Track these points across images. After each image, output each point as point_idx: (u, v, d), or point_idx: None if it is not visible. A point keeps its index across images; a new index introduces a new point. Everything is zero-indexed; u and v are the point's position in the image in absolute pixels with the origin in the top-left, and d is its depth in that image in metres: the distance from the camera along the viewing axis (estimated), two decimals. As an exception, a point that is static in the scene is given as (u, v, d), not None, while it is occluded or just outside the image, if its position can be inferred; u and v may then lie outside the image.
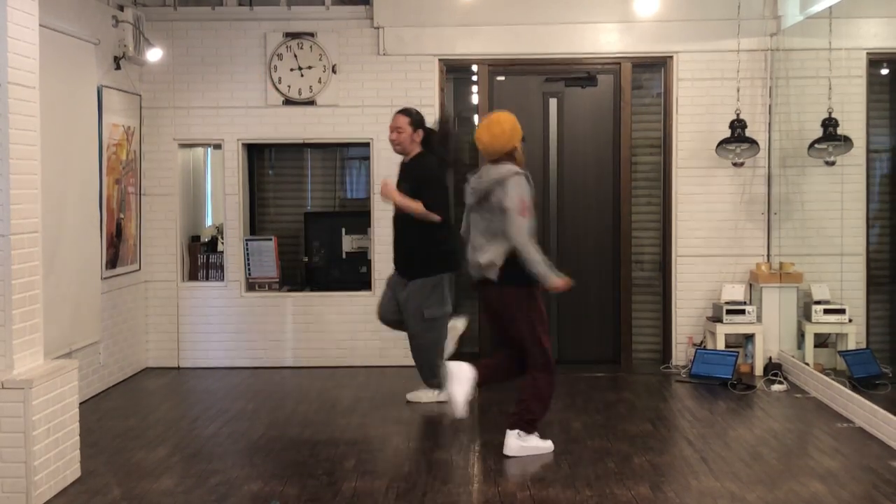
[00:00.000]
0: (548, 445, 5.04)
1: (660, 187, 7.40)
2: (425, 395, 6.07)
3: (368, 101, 7.19)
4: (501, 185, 4.83)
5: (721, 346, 6.80)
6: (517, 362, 5.09)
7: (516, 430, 5.00)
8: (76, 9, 6.08)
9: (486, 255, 4.90)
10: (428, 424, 5.66)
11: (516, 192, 4.82)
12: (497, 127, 4.96)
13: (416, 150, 6.00)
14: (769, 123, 7.04)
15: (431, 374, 5.91)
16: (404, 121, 5.97)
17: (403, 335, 6.13)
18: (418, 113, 6.09)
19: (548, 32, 7.13)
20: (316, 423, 5.60)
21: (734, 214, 7.12)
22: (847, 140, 6.34)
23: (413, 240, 5.89)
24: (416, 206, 5.79)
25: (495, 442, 5.18)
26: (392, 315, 6.09)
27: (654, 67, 7.43)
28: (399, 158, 6.12)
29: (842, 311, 6.46)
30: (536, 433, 5.03)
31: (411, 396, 6.11)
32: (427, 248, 5.86)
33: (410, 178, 5.91)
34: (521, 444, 4.99)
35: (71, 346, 5.92)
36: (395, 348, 7.13)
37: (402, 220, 5.93)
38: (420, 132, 5.99)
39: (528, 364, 5.03)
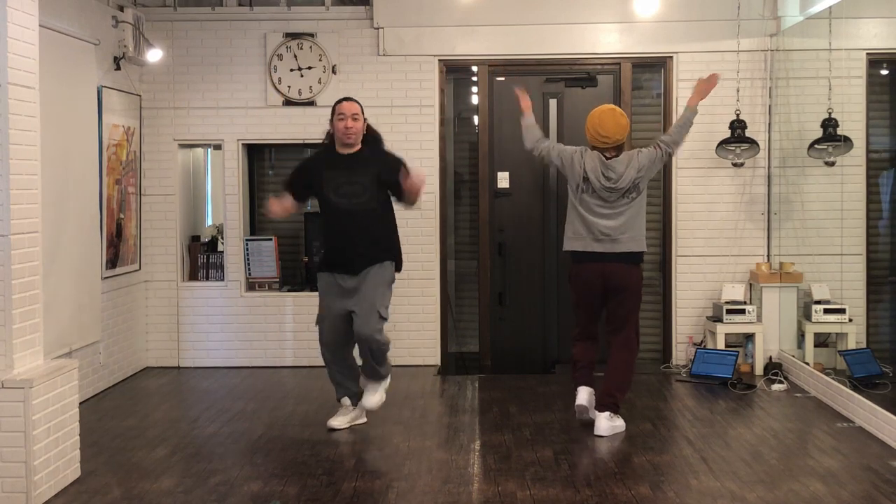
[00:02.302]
0: (623, 424, 5.40)
1: (660, 187, 7.40)
2: (377, 395, 5.48)
3: (368, 102, 7.09)
4: (647, 167, 5.35)
5: (721, 345, 6.80)
6: (596, 346, 5.57)
7: (608, 412, 5.31)
8: (76, 9, 6.08)
9: (635, 237, 5.37)
10: (428, 424, 5.66)
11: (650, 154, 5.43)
12: (622, 118, 5.39)
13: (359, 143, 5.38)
14: (769, 124, 7.04)
15: (382, 371, 5.48)
16: (359, 108, 5.33)
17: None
18: None
19: (548, 33, 7.13)
20: (316, 423, 5.60)
21: (734, 214, 7.12)
22: (847, 140, 6.34)
23: (378, 231, 5.33)
24: (422, 181, 5.31)
25: (495, 442, 5.19)
26: (344, 335, 5.39)
27: (654, 68, 7.44)
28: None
29: (842, 311, 6.46)
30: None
31: (369, 401, 5.45)
32: (394, 236, 5.44)
33: (379, 163, 5.30)
34: (612, 425, 5.30)
35: (71, 346, 5.92)
36: (394, 348, 7.13)
37: (367, 214, 5.28)
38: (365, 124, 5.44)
39: (621, 343, 5.41)
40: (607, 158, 5.35)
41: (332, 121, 5.37)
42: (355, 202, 5.27)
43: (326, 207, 5.37)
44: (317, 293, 7.35)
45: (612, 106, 5.51)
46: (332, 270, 5.35)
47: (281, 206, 5.42)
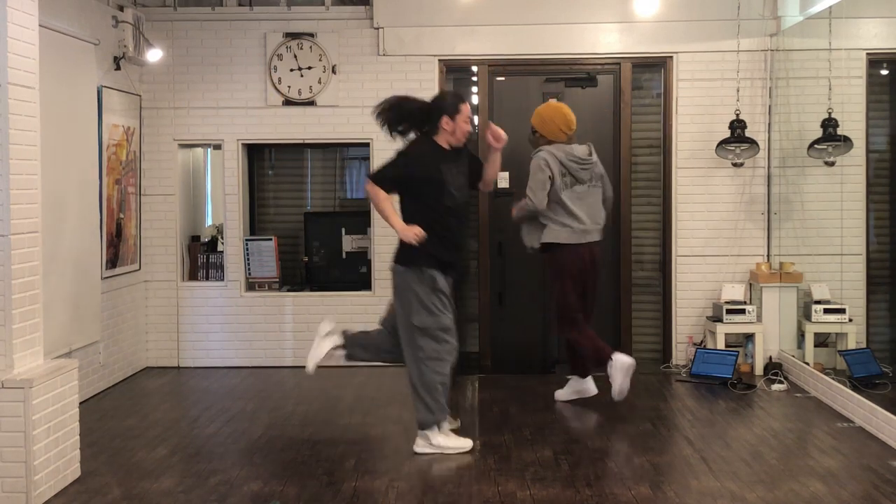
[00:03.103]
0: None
1: (660, 187, 7.40)
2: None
3: (368, 102, 7.08)
4: (597, 160, 5.98)
5: (721, 345, 6.80)
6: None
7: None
8: (76, 9, 6.08)
9: (602, 219, 5.99)
10: (428, 424, 5.65)
11: None
12: (572, 114, 5.93)
13: None
14: (769, 124, 7.04)
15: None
16: None
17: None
18: None
19: (548, 32, 7.13)
20: (316, 423, 5.60)
21: (734, 214, 7.12)
22: (847, 140, 6.34)
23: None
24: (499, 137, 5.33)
25: (495, 442, 5.19)
26: None
27: (654, 68, 7.43)
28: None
29: (842, 311, 6.46)
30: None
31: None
32: None
33: (467, 156, 5.33)
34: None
35: (71, 346, 5.92)
36: (395, 348, 7.14)
37: (465, 208, 5.29)
38: None
39: (589, 312, 5.99)
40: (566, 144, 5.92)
41: (451, 117, 5.13)
42: (463, 196, 5.22)
43: (443, 203, 5.08)
44: (317, 293, 7.39)
45: (558, 103, 6.07)
46: (445, 272, 5.06)
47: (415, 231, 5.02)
